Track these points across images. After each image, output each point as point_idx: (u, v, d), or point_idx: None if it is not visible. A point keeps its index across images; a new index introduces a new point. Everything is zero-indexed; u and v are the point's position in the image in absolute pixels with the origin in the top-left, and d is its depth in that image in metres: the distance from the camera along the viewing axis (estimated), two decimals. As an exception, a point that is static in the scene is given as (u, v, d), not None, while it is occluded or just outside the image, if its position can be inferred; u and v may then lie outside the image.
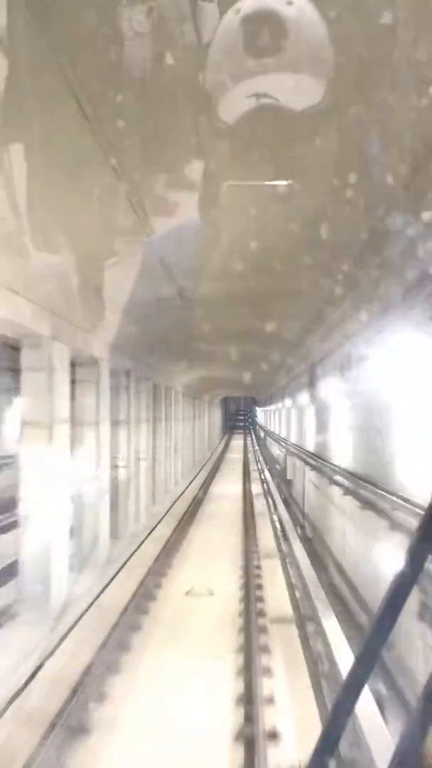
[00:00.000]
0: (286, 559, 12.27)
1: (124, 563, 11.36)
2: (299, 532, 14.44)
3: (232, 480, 27.87)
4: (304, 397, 16.24)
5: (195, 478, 27.55)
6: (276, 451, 29.43)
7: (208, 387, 34.98)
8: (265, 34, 2.71)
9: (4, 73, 3.39)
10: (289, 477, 19.01)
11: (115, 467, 13.18)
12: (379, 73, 3.46)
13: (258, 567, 11.52)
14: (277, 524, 16.55)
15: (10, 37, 3.18)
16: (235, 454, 44.23)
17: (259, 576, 10.85)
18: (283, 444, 23.76)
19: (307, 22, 2.71)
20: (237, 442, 58.55)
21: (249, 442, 57.11)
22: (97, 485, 11.07)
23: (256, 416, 68.02)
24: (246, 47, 2.75)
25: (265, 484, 25.95)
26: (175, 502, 19.81)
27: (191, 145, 4.37)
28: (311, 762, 1.03)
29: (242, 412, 74.19)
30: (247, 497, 21.03)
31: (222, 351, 17.66)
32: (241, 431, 67.70)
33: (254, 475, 29.83)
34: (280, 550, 12.95)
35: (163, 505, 18.65)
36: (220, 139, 4.09)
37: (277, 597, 9.75)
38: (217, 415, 54.54)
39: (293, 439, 19.70)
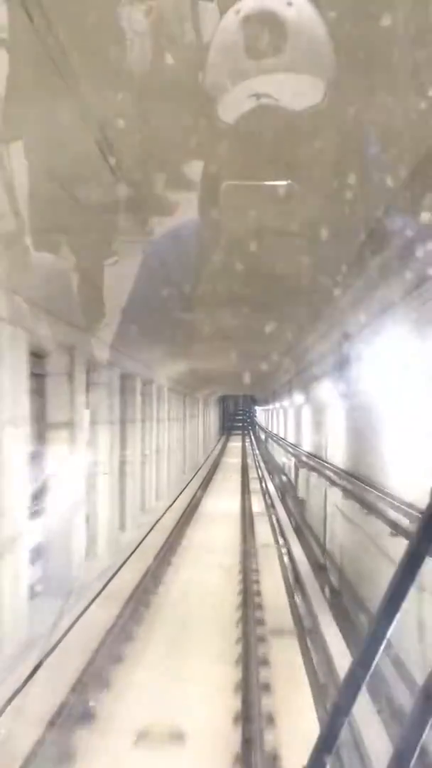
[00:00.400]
0: (308, 640, 7.86)
1: (44, 659, 6.90)
2: (327, 591, 9.95)
3: (228, 491, 23.42)
4: (325, 391, 11.80)
5: (185, 489, 23.13)
6: (281, 458, 24.92)
7: (203, 383, 30.76)
8: (265, 35, 2.68)
9: (4, 73, 3.35)
10: (301, 495, 14.56)
11: (45, 492, 8.78)
12: (378, 73, 3.42)
13: (265, 662, 7.08)
14: (288, 562, 12.16)
15: (9, 36, 3.16)
16: (233, 458, 39.67)
17: (267, 688, 6.41)
18: (291, 450, 19.28)
19: (306, 22, 2.65)
20: (235, 443, 54.10)
21: (248, 444, 52.69)
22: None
23: (255, 416, 64.08)
24: (246, 48, 2.71)
25: (267, 497, 21.54)
26: (153, 525, 15.37)
27: (191, 145, 4.30)
28: (310, 761, 1.06)
29: (241, 412, 70.30)
30: (247, 519, 16.54)
31: (218, 336, 13.89)
32: (240, 432, 63.61)
33: (254, 485, 25.34)
34: (299, 623, 8.51)
35: (137, 531, 14.22)
36: (220, 139, 4.06)
37: (301, 743, 5.31)
38: (213, 416, 50.17)
39: (307, 446, 15.24)
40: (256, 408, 60.36)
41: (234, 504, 20.07)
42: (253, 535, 14.57)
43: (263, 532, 15.03)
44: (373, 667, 1.05)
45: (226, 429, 65.54)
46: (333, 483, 10.25)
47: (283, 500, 19.70)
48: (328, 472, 11.12)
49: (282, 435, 25.34)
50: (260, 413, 55.43)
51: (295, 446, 18.10)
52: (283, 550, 13.16)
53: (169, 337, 14.66)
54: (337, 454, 10.66)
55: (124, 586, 9.83)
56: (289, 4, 2.57)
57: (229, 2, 2.67)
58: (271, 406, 34.73)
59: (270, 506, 19.52)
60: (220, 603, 9.24)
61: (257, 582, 10.36)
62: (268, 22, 2.59)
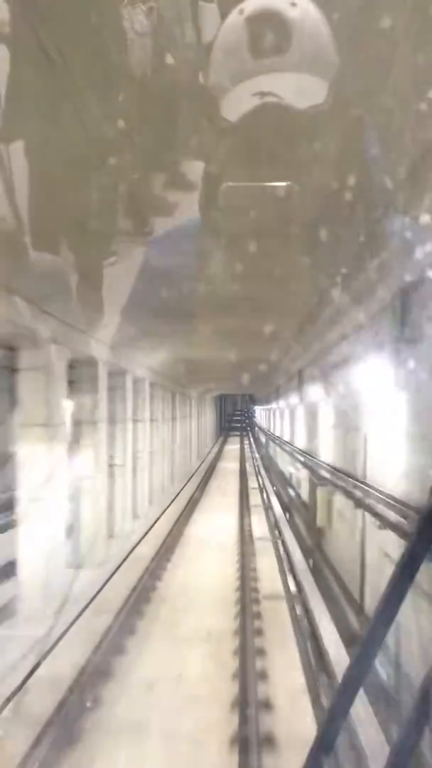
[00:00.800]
0: None
1: None
2: (380, 701, 6.15)
3: (224, 506, 19.65)
4: (363, 381, 8.09)
5: (172, 502, 19.40)
6: (287, 467, 21.13)
7: (197, 380, 27.17)
8: (268, 35, 2.68)
9: (3, 72, 3.36)
10: (319, 523, 10.86)
11: None
12: (380, 74, 3.41)
13: None
14: (308, 627, 8.44)
15: (8, 36, 3.16)
16: (231, 463, 35.81)
17: None
18: (301, 459, 15.54)
19: (310, 23, 2.66)
20: (233, 446, 50.33)
21: (247, 447, 48.97)
22: None
23: (254, 417, 60.63)
24: (249, 48, 2.71)
25: (270, 514, 17.82)
26: (123, 560, 11.64)
27: (191, 145, 4.31)
28: (308, 761, 1.02)
29: (239, 413, 66.91)
30: (247, 550, 12.78)
31: (214, 318, 11.04)
32: (238, 434, 60.18)
33: (254, 498, 21.55)
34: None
35: (96, 571, 10.47)
36: (220, 139, 4.01)
37: None
38: (209, 417, 46.38)
39: (327, 457, 11.50)
40: (256, 408, 57.06)
41: (231, 524, 16.35)
42: (255, 576, 10.85)
43: (269, 572, 11.27)
44: (371, 668, 1.02)
45: (223, 431, 62.13)
46: (382, 521, 6.52)
47: (291, 522, 15.94)
48: (369, 501, 7.39)
49: (288, 439, 21.57)
50: (260, 413, 51.90)
51: (307, 455, 14.33)
52: (298, 603, 9.45)
53: (151, 319, 11.06)
54: (386, 475, 6.94)
55: (57, 676, 6.13)
56: (293, 5, 2.56)
57: (229, 2, 2.66)
58: (273, 405, 30.95)
59: (274, 527, 15.81)
60: (203, 732, 5.50)
61: (263, 677, 6.62)
62: (271, 23, 2.57)
